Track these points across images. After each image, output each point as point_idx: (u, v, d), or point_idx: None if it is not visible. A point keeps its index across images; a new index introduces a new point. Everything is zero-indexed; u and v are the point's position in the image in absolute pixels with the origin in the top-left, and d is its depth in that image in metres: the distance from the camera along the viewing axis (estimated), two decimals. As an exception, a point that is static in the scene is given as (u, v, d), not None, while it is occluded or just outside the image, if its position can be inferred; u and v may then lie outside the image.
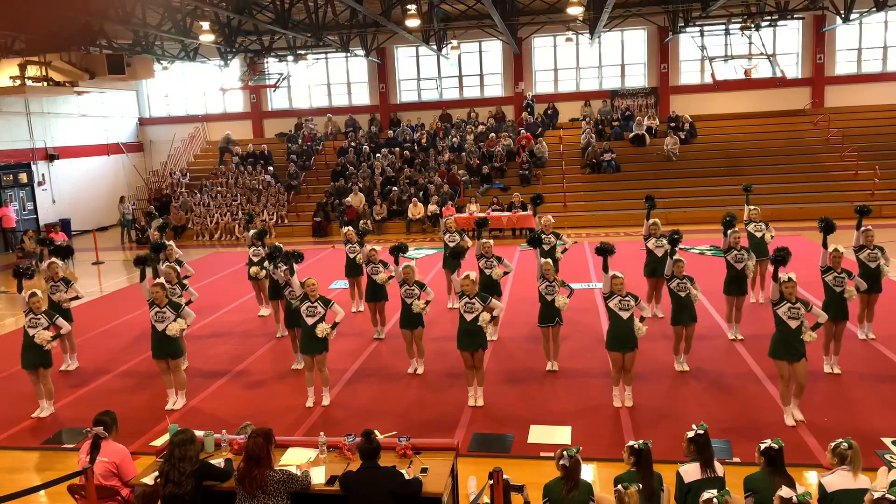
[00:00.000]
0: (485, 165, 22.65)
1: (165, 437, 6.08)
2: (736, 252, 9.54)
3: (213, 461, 5.27)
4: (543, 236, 10.16)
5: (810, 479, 5.94)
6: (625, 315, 7.51)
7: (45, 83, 17.33)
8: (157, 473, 5.15)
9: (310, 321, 7.90)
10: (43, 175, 23.01)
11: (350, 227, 11.97)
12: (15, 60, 17.13)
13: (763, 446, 4.74)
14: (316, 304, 7.93)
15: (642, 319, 7.68)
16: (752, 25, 21.42)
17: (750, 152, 22.72)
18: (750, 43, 22.92)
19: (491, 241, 10.12)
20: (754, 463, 4.89)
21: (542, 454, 6.70)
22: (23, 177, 22.38)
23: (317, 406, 8.16)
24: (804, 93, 24.60)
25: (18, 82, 16.81)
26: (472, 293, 7.77)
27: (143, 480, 5.32)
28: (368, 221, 11.52)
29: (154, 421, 7.82)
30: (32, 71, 17.02)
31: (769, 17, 21.56)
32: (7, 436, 7.90)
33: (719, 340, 9.81)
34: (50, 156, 23.18)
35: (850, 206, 19.58)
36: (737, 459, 6.35)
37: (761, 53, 21.99)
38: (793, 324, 6.91)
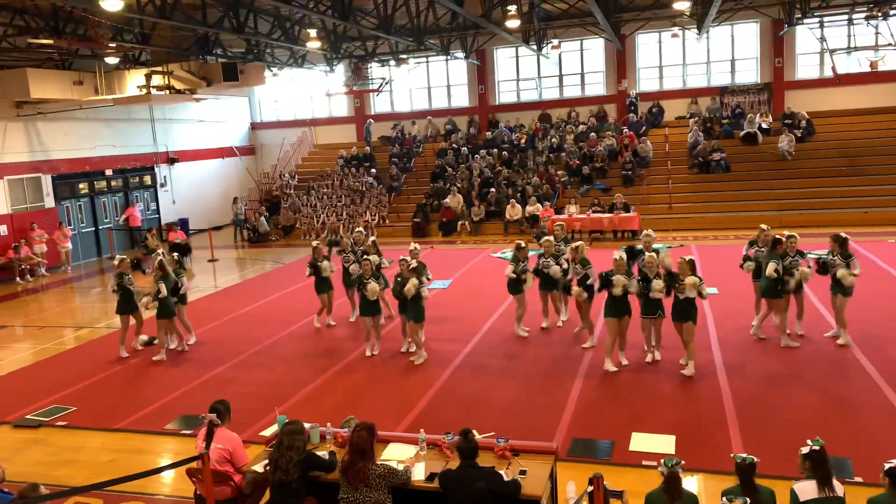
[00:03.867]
0: (585, 166, 22.26)
1: (274, 428, 6.37)
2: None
3: (318, 453, 5.46)
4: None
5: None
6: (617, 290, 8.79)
7: (168, 91, 18.50)
8: (267, 461, 5.39)
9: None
10: (165, 177, 24.64)
11: (317, 242, 11.38)
12: (141, 70, 18.44)
13: (888, 466, 4.43)
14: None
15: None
16: (880, 14, 19.91)
17: (874, 151, 21.12)
18: (876, 33, 21.33)
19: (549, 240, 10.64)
20: (879, 484, 4.57)
21: (644, 462, 6.53)
22: (147, 179, 24.05)
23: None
24: (938, 85, 22.65)
25: (144, 91, 18.06)
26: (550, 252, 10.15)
27: (253, 468, 5.58)
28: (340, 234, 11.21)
29: (264, 411, 8.19)
30: (156, 80, 18.22)
31: (899, 5, 20.01)
32: (134, 419, 8.51)
33: (829, 348, 9.22)
34: (171, 159, 24.80)
35: None
36: (859, 479, 5.94)
37: (889, 44, 20.41)
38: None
